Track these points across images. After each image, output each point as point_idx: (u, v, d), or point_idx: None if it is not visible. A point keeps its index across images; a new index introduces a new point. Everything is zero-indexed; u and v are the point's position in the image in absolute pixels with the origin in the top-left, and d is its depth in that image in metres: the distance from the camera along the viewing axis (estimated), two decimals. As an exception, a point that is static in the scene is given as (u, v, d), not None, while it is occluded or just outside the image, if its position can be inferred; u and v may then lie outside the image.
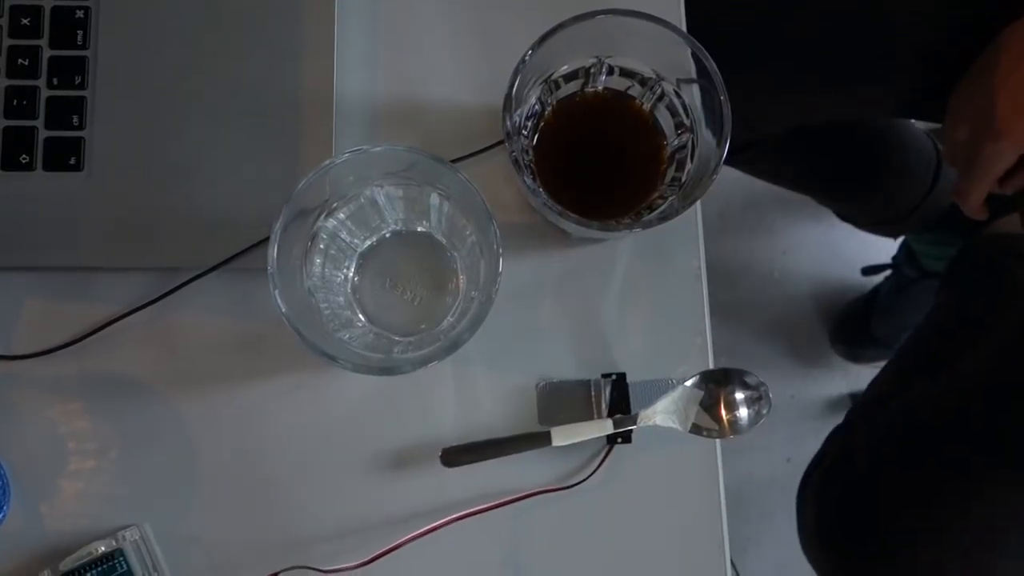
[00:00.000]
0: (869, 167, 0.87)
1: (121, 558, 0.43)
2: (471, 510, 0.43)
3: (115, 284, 0.45)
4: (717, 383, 0.44)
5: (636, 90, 0.43)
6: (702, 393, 0.44)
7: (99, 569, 0.43)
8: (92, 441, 0.45)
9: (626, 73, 0.42)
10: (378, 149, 0.38)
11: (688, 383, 0.44)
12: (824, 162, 0.89)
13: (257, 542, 0.44)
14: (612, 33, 0.40)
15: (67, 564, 0.43)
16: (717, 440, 0.45)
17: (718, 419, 0.44)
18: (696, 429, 0.44)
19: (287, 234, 0.38)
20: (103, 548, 0.43)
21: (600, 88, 0.43)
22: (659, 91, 0.42)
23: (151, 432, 0.45)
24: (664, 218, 0.39)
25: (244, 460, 0.45)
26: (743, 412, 0.44)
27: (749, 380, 0.44)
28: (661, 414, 0.44)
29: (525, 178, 0.38)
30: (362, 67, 0.48)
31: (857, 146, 0.86)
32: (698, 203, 0.47)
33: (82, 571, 0.42)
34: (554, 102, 0.43)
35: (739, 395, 0.44)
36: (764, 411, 0.43)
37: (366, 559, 0.42)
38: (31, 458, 0.45)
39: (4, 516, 0.44)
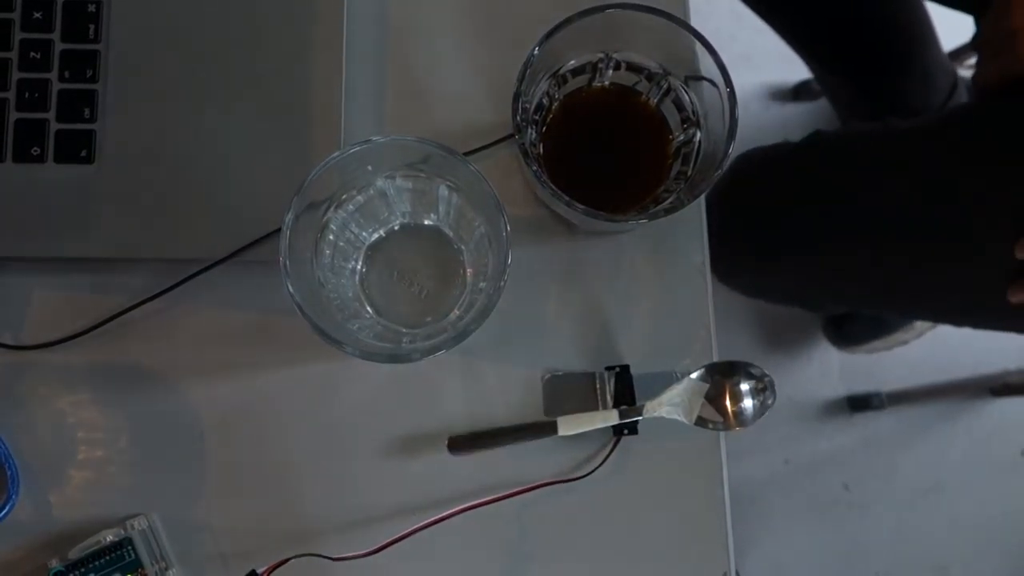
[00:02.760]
0: (893, 57, 0.89)
1: (129, 547, 0.43)
2: (479, 501, 0.43)
3: (125, 275, 0.46)
4: (722, 375, 0.44)
5: (643, 85, 0.43)
6: (707, 385, 0.44)
7: (107, 558, 0.43)
8: (101, 431, 0.45)
9: (633, 68, 0.43)
10: (386, 140, 0.39)
11: (693, 375, 0.44)
12: (846, 29, 0.90)
13: (265, 531, 0.45)
14: (620, 28, 0.40)
15: (76, 553, 0.43)
16: (721, 432, 0.46)
17: (723, 411, 0.44)
18: (701, 421, 0.44)
19: (298, 225, 0.38)
20: (111, 537, 0.43)
21: (607, 83, 0.44)
22: (666, 86, 0.42)
23: (160, 422, 0.45)
24: (670, 211, 0.39)
25: (252, 450, 0.45)
26: (748, 403, 0.44)
27: (754, 371, 0.44)
28: (667, 406, 0.44)
29: (534, 168, 0.39)
30: (371, 60, 0.48)
31: (888, 35, 0.89)
32: (703, 198, 0.48)
33: (90, 560, 0.43)
34: (562, 96, 0.44)
35: (744, 386, 0.44)
36: (769, 402, 0.44)
37: (374, 548, 0.42)
38: (41, 447, 0.45)
39: (13, 505, 0.44)
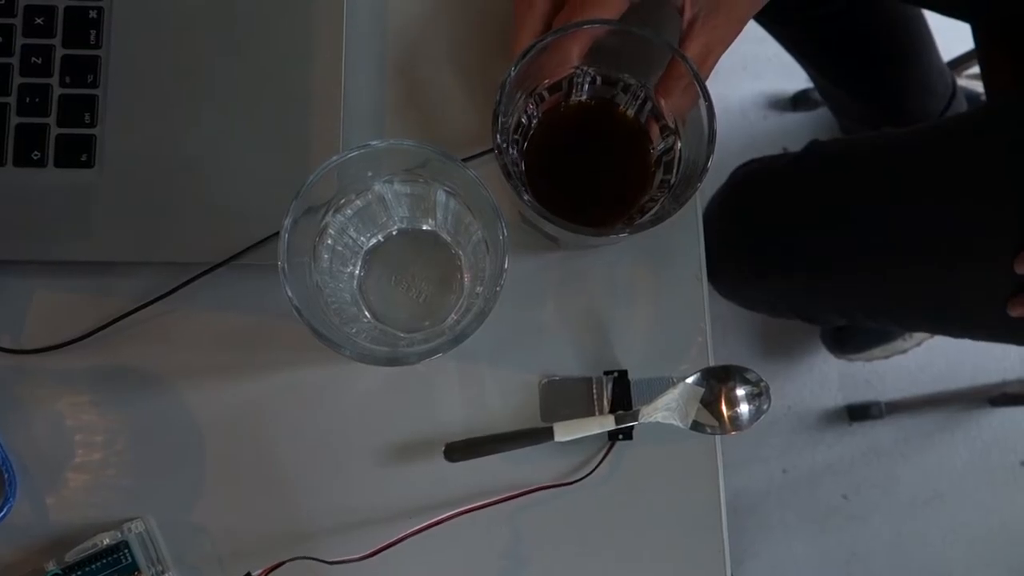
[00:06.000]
0: (892, 65, 0.92)
1: (126, 550, 0.43)
2: (474, 505, 0.44)
3: (125, 279, 0.46)
4: (718, 380, 0.44)
5: (620, 97, 0.43)
6: (703, 390, 0.44)
7: (104, 561, 0.43)
8: (99, 434, 0.45)
9: (609, 81, 0.43)
10: (385, 145, 0.39)
11: (689, 380, 0.45)
12: (851, 45, 0.91)
13: (261, 534, 0.45)
14: (595, 43, 0.40)
15: (73, 556, 0.43)
16: (717, 437, 0.46)
17: (719, 415, 0.44)
18: (697, 426, 0.44)
19: (296, 229, 0.38)
20: (108, 540, 0.43)
21: (584, 97, 0.44)
22: (642, 96, 0.43)
23: (157, 425, 0.45)
24: (655, 221, 0.39)
25: (249, 453, 0.46)
26: (744, 408, 0.44)
27: (750, 376, 0.44)
28: (662, 411, 0.44)
29: (517, 189, 0.39)
30: (371, 65, 0.48)
31: (887, 43, 0.91)
32: (698, 206, 0.48)
33: (87, 563, 0.43)
34: (540, 113, 0.43)
35: (740, 391, 0.44)
36: (764, 407, 0.44)
37: (370, 551, 0.42)
38: (38, 450, 0.45)
39: (11, 508, 0.44)
